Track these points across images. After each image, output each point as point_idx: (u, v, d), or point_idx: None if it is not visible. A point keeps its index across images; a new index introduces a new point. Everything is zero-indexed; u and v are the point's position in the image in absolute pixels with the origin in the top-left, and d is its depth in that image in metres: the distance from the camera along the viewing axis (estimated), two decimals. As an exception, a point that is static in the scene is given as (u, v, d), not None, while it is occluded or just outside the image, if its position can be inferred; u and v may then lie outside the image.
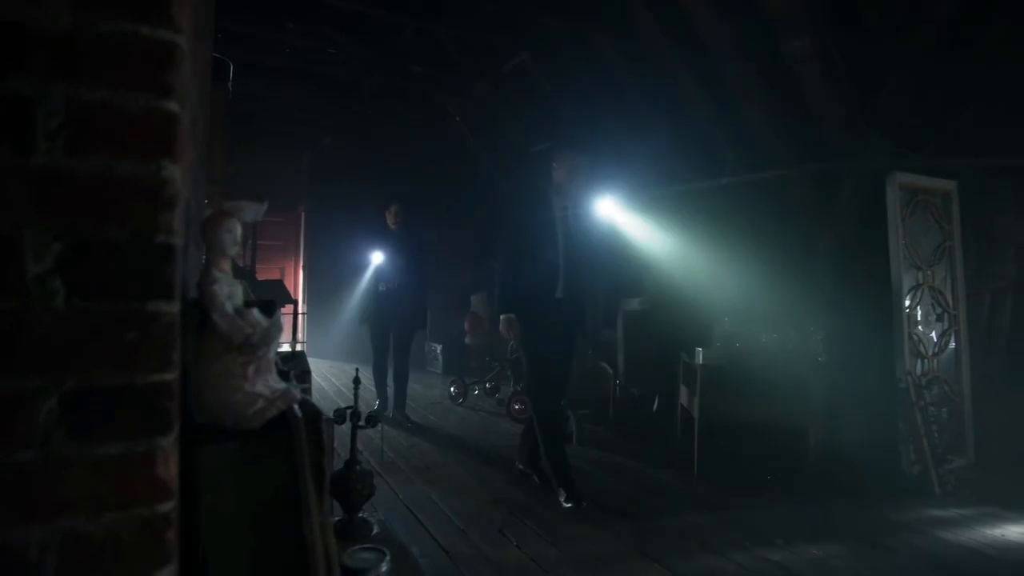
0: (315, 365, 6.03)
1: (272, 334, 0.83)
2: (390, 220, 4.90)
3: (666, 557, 2.56)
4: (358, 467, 1.71)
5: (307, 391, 1.26)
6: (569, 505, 3.07)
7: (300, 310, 7.36)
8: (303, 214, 8.75)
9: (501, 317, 3.14)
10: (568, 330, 3.26)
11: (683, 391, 3.91)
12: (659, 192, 5.07)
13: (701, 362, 3.56)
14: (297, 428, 0.78)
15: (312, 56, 5.99)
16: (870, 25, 3.40)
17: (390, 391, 4.95)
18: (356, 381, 1.82)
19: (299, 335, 6.32)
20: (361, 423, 1.71)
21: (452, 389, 5.73)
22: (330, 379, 6.77)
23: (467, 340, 6.80)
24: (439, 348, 7.45)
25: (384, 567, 1.17)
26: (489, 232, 7.42)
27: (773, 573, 2.45)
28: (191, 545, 0.81)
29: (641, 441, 4.36)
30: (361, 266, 5.16)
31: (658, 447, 4.18)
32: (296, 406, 0.82)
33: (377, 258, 4.81)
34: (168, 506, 0.72)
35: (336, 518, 2.10)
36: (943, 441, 3.56)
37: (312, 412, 0.84)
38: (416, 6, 5.05)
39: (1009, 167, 3.85)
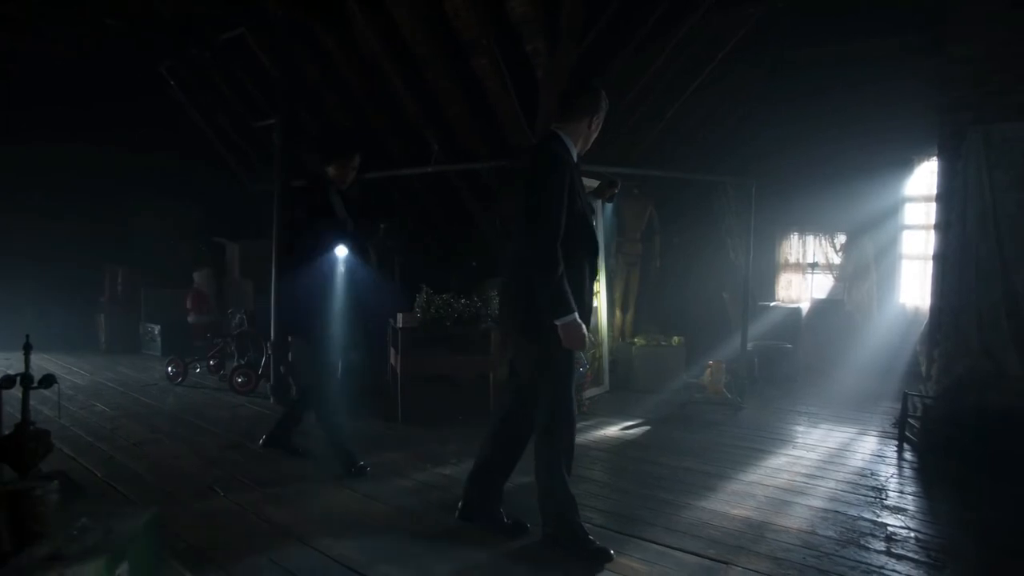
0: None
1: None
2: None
3: (359, 484, 3.09)
4: (32, 427, 1.81)
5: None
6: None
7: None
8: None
9: (559, 323, 2.16)
10: None
11: (391, 351, 4.50)
12: (378, 176, 5.54)
13: (400, 325, 4.18)
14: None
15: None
16: (528, 51, 4.30)
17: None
18: (27, 347, 1.90)
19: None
20: (34, 384, 1.80)
21: (170, 369, 5.49)
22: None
23: (190, 319, 6.45)
24: (157, 329, 6.95)
25: (50, 488, 1.38)
26: (217, 204, 7.10)
27: (440, 482, 3.15)
28: None
29: (360, 398, 4.84)
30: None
31: (375, 403, 4.71)
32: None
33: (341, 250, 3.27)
34: None
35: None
36: (585, 376, 4.76)
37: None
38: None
39: (634, 175, 5.21)
